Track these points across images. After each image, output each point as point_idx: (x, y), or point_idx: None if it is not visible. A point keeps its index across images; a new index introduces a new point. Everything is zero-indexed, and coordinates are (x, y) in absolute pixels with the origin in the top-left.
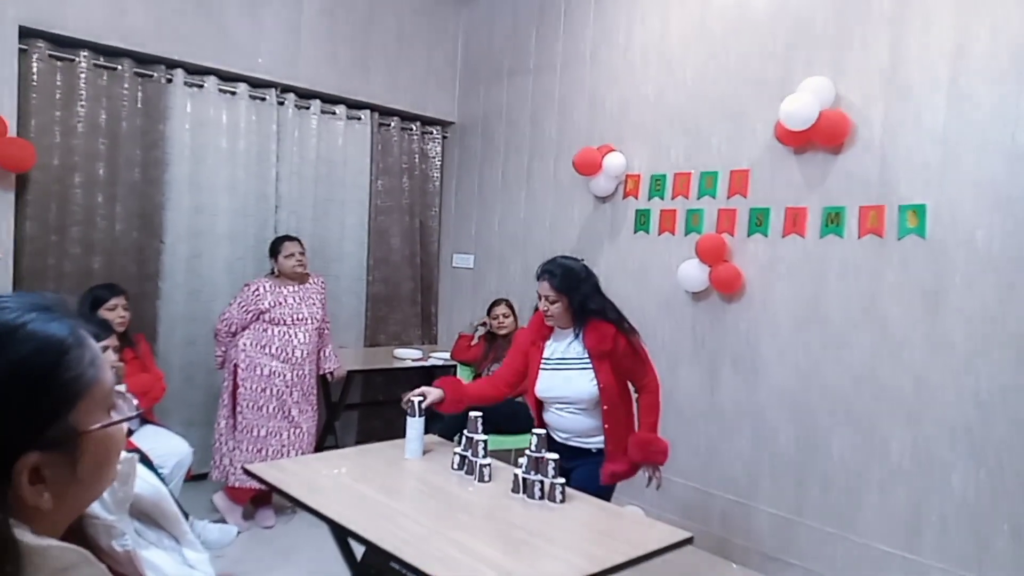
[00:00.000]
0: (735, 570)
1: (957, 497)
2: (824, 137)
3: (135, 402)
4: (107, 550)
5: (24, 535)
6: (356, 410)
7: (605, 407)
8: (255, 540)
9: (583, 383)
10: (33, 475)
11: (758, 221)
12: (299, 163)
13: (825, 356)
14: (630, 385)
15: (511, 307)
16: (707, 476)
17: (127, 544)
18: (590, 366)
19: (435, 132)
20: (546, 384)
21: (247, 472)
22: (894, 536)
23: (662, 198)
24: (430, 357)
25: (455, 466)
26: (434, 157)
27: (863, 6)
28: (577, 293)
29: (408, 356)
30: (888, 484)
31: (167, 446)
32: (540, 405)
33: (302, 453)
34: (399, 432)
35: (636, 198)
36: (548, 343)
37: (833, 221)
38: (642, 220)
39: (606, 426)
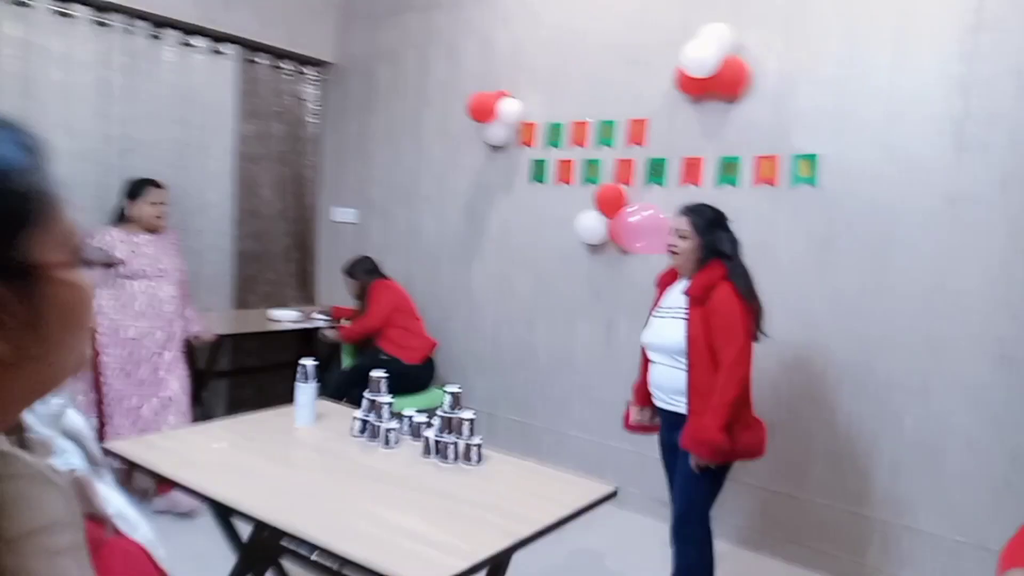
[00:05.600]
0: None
1: (842, 436)
2: (723, 86)
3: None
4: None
5: None
6: (225, 378)
7: (691, 361)
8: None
9: (673, 331)
10: None
11: (655, 171)
12: (151, 102)
13: None
14: None
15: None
16: (606, 430)
17: (73, 464)
18: (687, 315)
19: (311, 73)
20: (647, 331)
21: (106, 452)
22: (780, 478)
23: (558, 147)
24: (311, 318)
25: (356, 432)
26: (308, 101)
27: None
28: (710, 235)
29: (286, 317)
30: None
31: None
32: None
33: (180, 422)
34: (273, 400)
35: (532, 147)
36: (668, 291)
37: (729, 171)
38: (538, 170)
39: (690, 383)
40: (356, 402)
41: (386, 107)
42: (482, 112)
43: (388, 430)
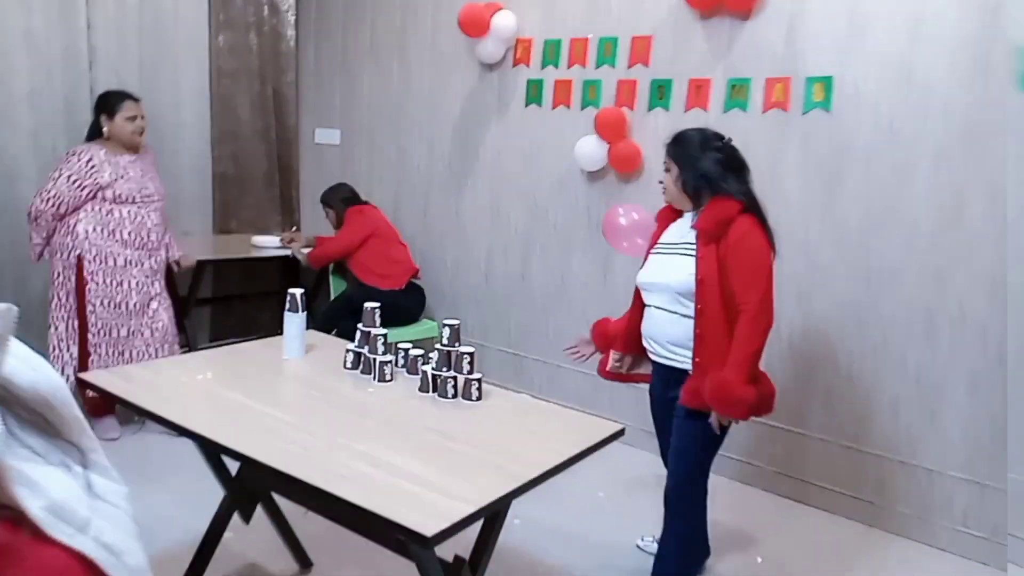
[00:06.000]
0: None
1: (843, 373)
2: (734, 1)
3: None
4: None
5: None
6: (208, 306)
7: (699, 306)
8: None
9: (679, 269)
10: None
11: (660, 94)
12: (116, 11)
13: None
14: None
15: None
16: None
17: None
18: (695, 252)
19: None
20: (644, 270)
21: (82, 383)
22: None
23: (556, 66)
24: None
25: (348, 365)
26: (287, 11)
27: None
28: (689, 161)
29: (269, 244)
30: (778, 367)
31: None
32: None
33: (169, 353)
34: (257, 330)
35: (528, 66)
36: (671, 227)
37: (738, 94)
38: (534, 91)
39: (697, 331)
40: (346, 334)
41: (371, 20)
42: (474, 25)
43: (383, 363)
